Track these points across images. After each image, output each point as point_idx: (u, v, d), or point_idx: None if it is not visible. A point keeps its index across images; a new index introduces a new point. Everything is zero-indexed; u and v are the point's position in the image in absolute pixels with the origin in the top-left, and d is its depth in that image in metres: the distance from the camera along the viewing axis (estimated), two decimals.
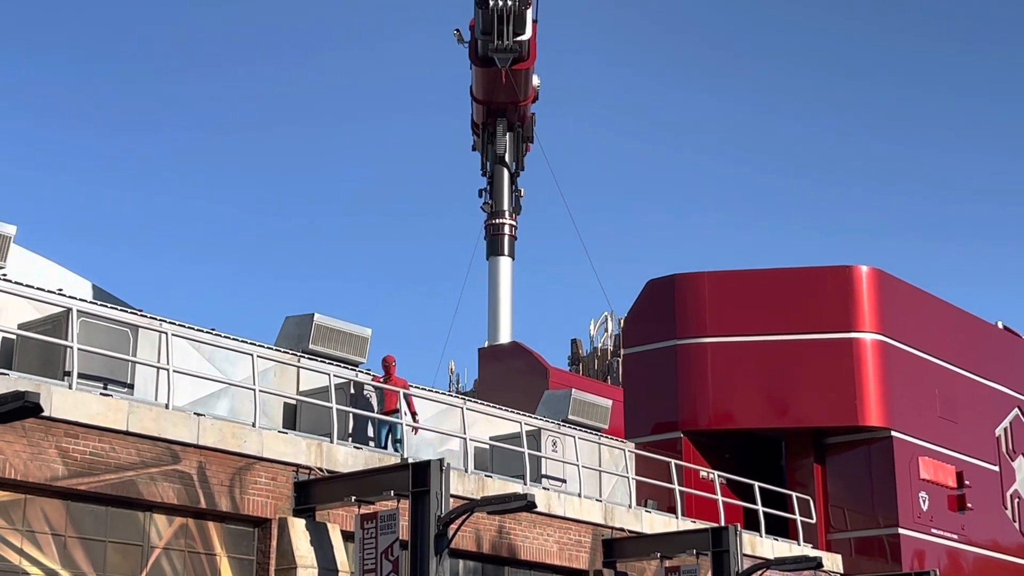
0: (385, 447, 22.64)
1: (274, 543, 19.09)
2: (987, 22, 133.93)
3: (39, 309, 19.68)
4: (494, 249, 46.74)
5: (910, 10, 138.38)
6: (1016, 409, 35.88)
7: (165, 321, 21.11)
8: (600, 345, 70.23)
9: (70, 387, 17.50)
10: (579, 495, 24.35)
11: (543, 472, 25.33)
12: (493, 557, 22.21)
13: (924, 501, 31.60)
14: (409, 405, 22.89)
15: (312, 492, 19.57)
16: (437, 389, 27.95)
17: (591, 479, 26.75)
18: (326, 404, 21.06)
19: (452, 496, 19.20)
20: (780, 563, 25.21)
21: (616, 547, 24.40)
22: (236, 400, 21.83)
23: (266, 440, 19.29)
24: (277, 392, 22.41)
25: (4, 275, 19.98)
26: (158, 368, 19.41)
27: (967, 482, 32.94)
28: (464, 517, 18.73)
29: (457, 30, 44.31)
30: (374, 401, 23.37)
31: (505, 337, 45.23)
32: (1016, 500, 35.06)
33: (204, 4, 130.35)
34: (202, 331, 21.87)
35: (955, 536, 32.38)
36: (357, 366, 24.63)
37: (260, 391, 20.06)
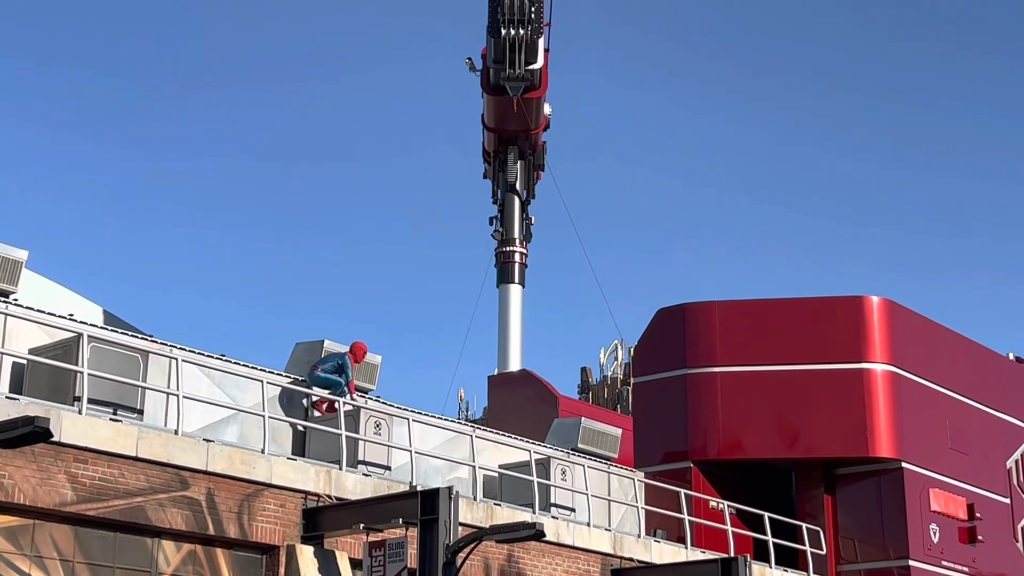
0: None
1: (282, 570, 19.05)
2: (1007, 52, 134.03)
3: (50, 334, 19.72)
4: (504, 277, 46.70)
5: (927, 38, 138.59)
6: None
7: (175, 347, 21.14)
8: (610, 374, 70.14)
9: (80, 412, 17.51)
10: (588, 524, 24.28)
11: (552, 501, 25.26)
12: None
13: (935, 533, 31.45)
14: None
15: (321, 519, 19.54)
16: (446, 416, 27.93)
17: (600, 508, 26.67)
18: (335, 431, 21.06)
19: (461, 524, 19.16)
20: None
21: None
22: (245, 426, 21.84)
23: (275, 467, 19.28)
24: (287, 418, 22.42)
25: (16, 300, 20.04)
26: (168, 394, 19.43)
27: (978, 514, 32.76)
28: (473, 545, 18.68)
29: (469, 59, 44.43)
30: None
31: (515, 365, 45.15)
32: None
33: (217, 32, 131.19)
34: (212, 357, 21.90)
35: (966, 569, 32.19)
36: (367, 393, 24.63)
37: (270, 417, 20.06)
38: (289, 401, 23.40)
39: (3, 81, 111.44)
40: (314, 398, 23.52)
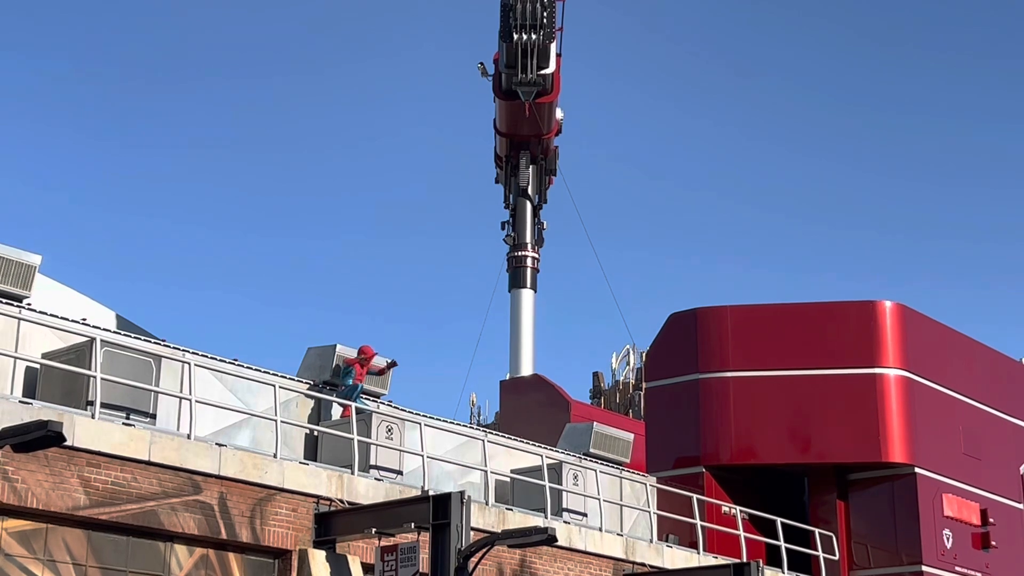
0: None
1: (294, 575, 19.06)
2: (1016, 57, 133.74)
3: (63, 339, 19.79)
4: (516, 282, 46.70)
5: (934, 44, 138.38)
6: None
7: (188, 351, 21.19)
8: (622, 378, 70.01)
9: (93, 417, 17.55)
10: (600, 529, 24.25)
11: (564, 506, 25.24)
12: None
13: (948, 539, 31.36)
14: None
15: (333, 524, 19.55)
16: (458, 421, 27.93)
17: (612, 513, 26.65)
18: (347, 435, 21.07)
19: (473, 529, 19.16)
20: None
21: None
22: (258, 431, 21.88)
23: (287, 471, 19.30)
24: (299, 423, 22.45)
25: (29, 305, 20.10)
26: (180, 398, 19.47)
27: (991, 520, 32.66)
28: (485, 550, 18.67)
29: (481, 63, 44.47)
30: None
31: (527, 370, 45.13)
32: None
33: (233, 26, 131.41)
34: (224, 361, 21.94)
35: (979, 574, 32.10)
36: (379, 397, 24.65)
37: (282, 422, 20.08)
38: (301, 405, 23.44)
39: (9, 82, 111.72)
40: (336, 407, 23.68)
